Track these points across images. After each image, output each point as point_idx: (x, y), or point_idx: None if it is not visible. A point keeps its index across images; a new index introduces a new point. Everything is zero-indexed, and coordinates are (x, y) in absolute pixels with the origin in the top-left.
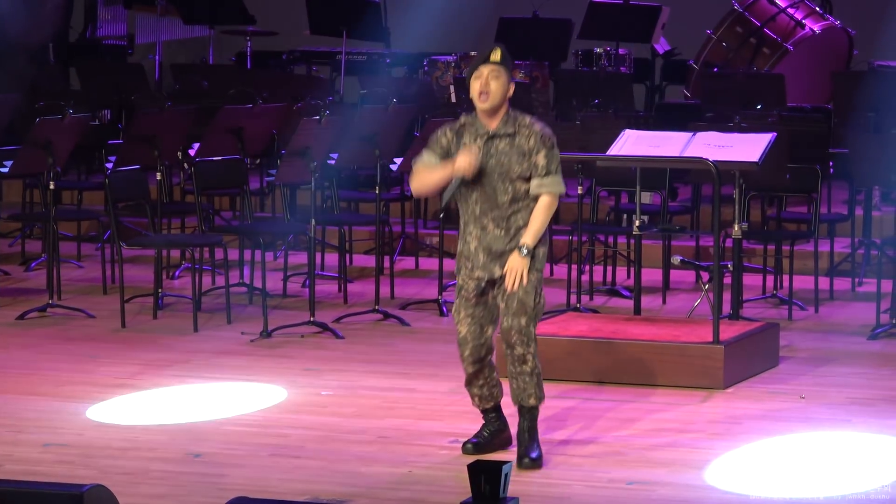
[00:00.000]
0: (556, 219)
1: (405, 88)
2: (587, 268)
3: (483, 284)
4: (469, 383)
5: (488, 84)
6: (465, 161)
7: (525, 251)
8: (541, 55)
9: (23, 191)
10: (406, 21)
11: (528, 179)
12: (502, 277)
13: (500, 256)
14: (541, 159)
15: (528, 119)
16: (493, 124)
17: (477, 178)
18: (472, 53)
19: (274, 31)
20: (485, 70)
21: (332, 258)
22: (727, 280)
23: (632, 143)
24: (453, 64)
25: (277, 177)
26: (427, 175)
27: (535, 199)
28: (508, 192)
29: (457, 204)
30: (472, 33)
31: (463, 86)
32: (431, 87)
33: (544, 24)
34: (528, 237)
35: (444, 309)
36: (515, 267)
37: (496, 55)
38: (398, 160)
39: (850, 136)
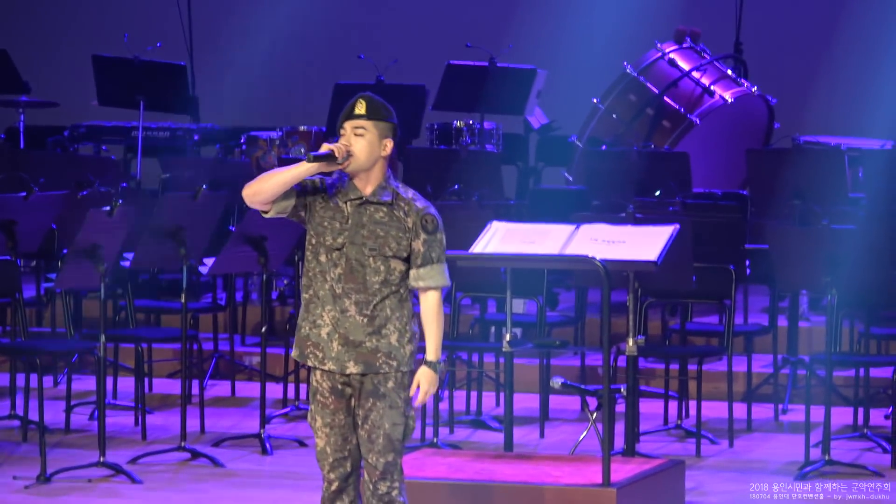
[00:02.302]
0: None
1: (218, 171)
2: (446, 394)
3: (340, 385)
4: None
5: (350, 143)
6: (337, 145)
7: (437, 367)
8: None
9: None
10: (219, 89)
11: (405, 260)
12: (363, 383)
13: (357, 347)
14: (419, 245)
15: (410, 193)
16: (368, 189)
17: (343, 249)
18: (302, 128)
19: (53, 102)
20: (348, 127)
21: (126, 383)
22: (620, 408)
23: (501, 238)
24: (278, 141)
25: (58, 282)
26: (273, 173)
27: (409, 288)
28: (380, 273)
29: (292, 300)
30: (301, 103)
31: None
32: (251, 169)
33: (391, 93)
34: (433, 352)
35: (268, 446)
36: (427, 387)
37: (360, 107)
38: (209, 261)
39: (770, 229)
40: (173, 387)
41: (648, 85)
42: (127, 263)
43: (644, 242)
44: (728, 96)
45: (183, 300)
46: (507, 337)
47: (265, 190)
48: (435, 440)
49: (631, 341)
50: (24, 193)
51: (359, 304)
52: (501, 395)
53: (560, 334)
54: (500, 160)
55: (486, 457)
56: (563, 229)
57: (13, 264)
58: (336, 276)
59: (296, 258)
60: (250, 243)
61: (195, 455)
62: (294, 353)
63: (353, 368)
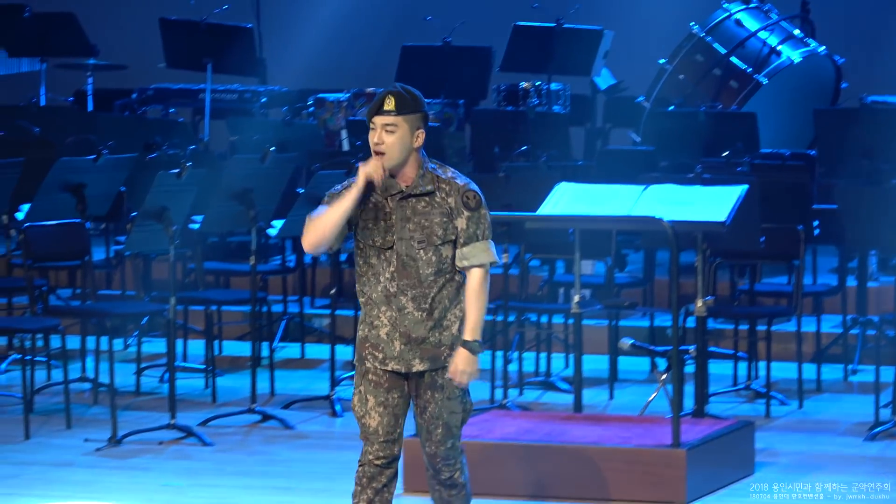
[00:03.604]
0: None
1: (286, 134)
2: (516, 355)
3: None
4: (365, 486)
5: (382, 140)
6: (372, 166)
7: (475, 346)
8: (454, 92)
9: None
10: (286, 51)
11: (454, 244)
12: (422, 375)
13: (421, 344)
14: (463, 223)
15: (448, 172)
16: (406, 181)
17: (393, 247)
18: (369, 90)
19: (121, 65)
20: (378, 122)
21: (196, 346)
22: (689, 369)
23: (569, 200)
24: (345, 103)
25: (127, 245)
26: (323, 217)
27: (461, 272)
28: (432, 263)
29: (352, 276)
30: (368, 66)
31: (358, 130)
32: (318, 131)
33: (458, 54)
34: (470, 331)
35: (338, 408)
36: (466, 369)
37: (388, 103)
38: (278, 223)
39: (838, 189)
40: (243, 349)
41: (715, 45)
42: (196, 226)
43: (712, 203)
44: (795, 56)
45: (252, 262)
46: (576, 298)
47: (327, 238)
48: (504, 401)
49: (700, 302)
50: (93, 156)
51: (416, 300)
52: (570, 356)
53: (629, 295)
54: (568, 121)
55: (555, 418)
56: (631, 190)
57: (83, 227)
58: (389, 276)
59: None
60: (319, 204)
61: (265, 417)
62: (355, 358)
63: (419, 366)
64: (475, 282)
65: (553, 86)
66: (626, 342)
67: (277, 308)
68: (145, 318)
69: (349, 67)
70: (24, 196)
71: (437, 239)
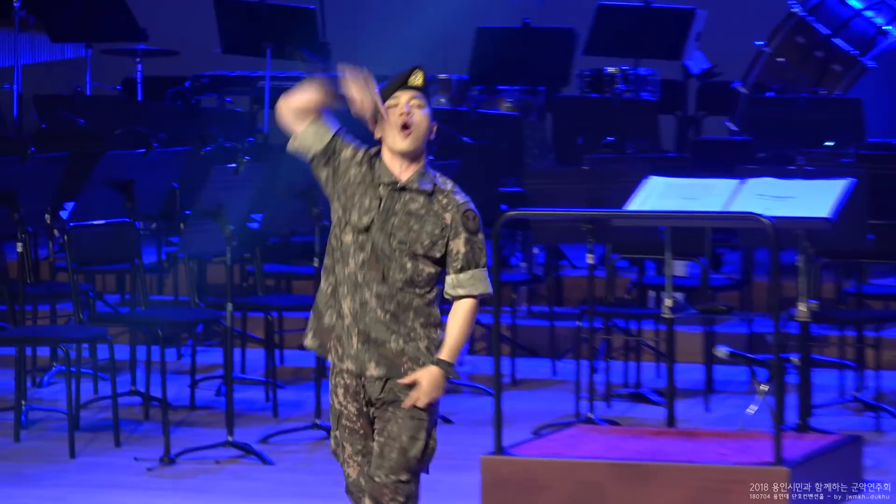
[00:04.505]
0: (558, 298)
1: (350, 123)
2: (602, 365)
3: (365, 407)
4: None
5: (412, 114)
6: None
7: (450, 370)
8: (534, 78)
9: None
10: (351, 34)
11: (436, 263)
12: (382, 390)
13: (380, 347)
14: (460, 245)
15: (448, 184)
16: (406, 175)
17: (370, 232)
18: (442, 76)
19: (174, 51)
20: (403, 97)
21: (256, 355)
22: (792, 379)
23: (659, 194)
24: None
25: (181, 246)
26: (308, 89)
27: (434, 292)
28: (406, 271)
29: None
30: (440, 49)
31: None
32: None
33: (538, 37)
34: (448, 351)
35: None
36: (430, 391)
37: (418, 78)
38: None
39: None
40: (306, 359)
41: (817, 25)
42: (255, 225)
43: (816, 197)
44: None
45: (315, 265)
46: (668, 302)
47: (298, 107)
48: (591, 415)
49: (802, 306)
50: (142, 150)
51: (380, 298)
52: (662, 365)
53: (725, 299)
54: (657, 109)
55: (646, 433)
56: (726, 184)
57: (132, 227)
58: (359, 262)
59: None
60: None
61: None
62: (311, 344)
63: (373, 370)
64: (467, 308)
65: (641, 70)
66: (722, 350)
67: None
68: (200, 326)
69: (418, 51)
70: (68, 193)
71: (420, 248)
